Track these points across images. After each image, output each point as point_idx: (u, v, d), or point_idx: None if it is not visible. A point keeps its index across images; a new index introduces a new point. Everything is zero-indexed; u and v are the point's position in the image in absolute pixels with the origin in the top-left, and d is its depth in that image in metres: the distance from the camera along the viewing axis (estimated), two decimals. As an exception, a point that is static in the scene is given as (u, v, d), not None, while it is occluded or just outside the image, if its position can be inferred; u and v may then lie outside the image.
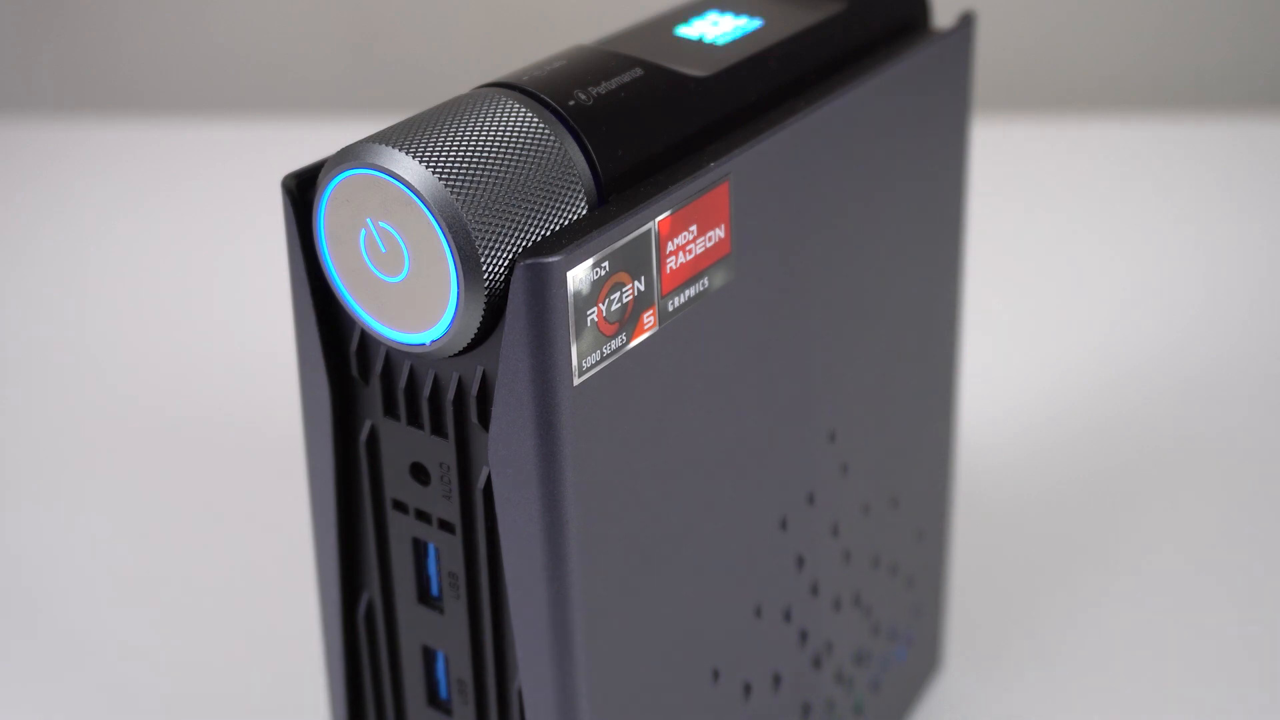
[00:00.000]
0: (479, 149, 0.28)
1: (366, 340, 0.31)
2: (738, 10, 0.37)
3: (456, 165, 0.28)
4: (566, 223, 0.29)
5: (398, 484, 0.32)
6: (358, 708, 0.36)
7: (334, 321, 0.31)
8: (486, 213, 0.28)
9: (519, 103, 0.30)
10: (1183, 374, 0.67)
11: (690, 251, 0.31)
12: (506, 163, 0.28)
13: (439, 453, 0.31)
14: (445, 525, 0.32)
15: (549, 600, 0.30)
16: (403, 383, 0.31)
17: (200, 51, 1.06)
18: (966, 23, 0.40)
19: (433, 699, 0.34)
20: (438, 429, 0.31)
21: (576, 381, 0.28)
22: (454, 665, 0.33)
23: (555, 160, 0.29)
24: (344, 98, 1.05)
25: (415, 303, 0.29)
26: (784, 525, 0.37)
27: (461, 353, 0.29)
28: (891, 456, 0.42)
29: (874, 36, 0.38)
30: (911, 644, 0.46)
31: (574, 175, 0.29)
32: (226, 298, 0.77)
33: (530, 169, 0.29)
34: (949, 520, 0.47)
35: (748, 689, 0.37)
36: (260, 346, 0.70)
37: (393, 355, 0.31)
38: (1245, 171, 0.88)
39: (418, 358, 0.30)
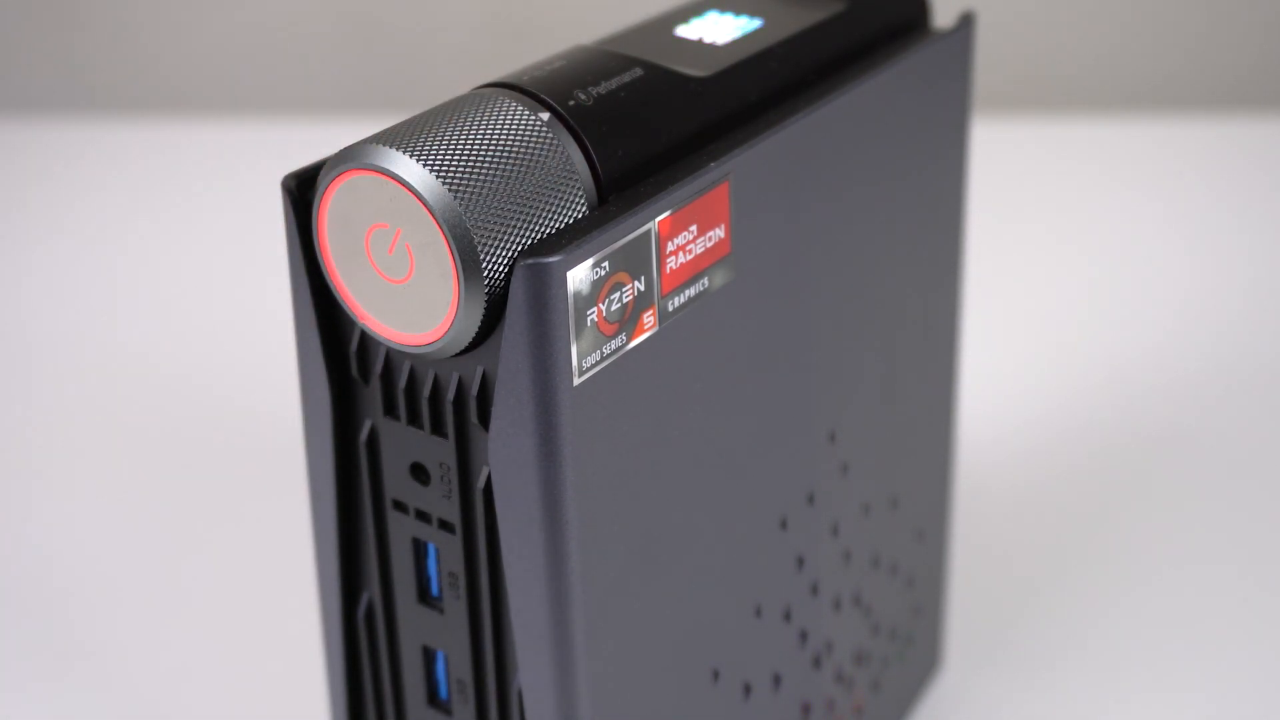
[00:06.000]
0: (479, 149, 0.28)
1: (366, 340, 0.31)
2: (738, 10, 0.37)
3: (456, 166, 0.28)
4: (566, 223, 0.29)
5: (398, 484, 0.32)
6: (358, 708, 0.36)
7: (334, 321, 0.31)
8: (487, 213, 0.28)
9: (519, 103, 0.30)
10: (1183, 374, 0.67)
11: (690, 251, 0.31)
12: (507, 163, 0.28)
13: (439, 453, 0.31)
14: (445, 525, 0.32)
15: (549, 600, 0.30)
16: (403, 383, 0.31)
17: (200, 51, 1.06)
18: (966, 23, 0.40)
19: (433, 699, 0.34)
20: (438, 429, 0.31)
21: (576, 381, 0.28)
22: (454, 665, 0.33)
23: (555, 160, 0.29)
24: (344, 98, 1.05)
25: (415, 303, 0.29)
26: (784, 525, 0.37)
27: (462, 353, 0.29)
28: (891, 456, 0.42)
29: (874, 36, 0.38)
30: (911, 644, 0.46)
31: (574, 175, 0.29)
32: (227, 298, 0.77)
33: (530, 169, 0.29)
34: (949, 520, 0.47)
35: (748, 689, 0.37)
36: (260, 346, 0.70)
37: (393, 355, 0.31)
38: (1245, 171, 0.88)
39: (418, 358, 0.30)
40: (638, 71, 0.32)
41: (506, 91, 0.30)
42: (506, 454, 0.29)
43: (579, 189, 0.29)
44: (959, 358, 0.45)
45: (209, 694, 0.49)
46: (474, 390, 0.30)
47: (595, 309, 0.28)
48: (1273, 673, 0.49)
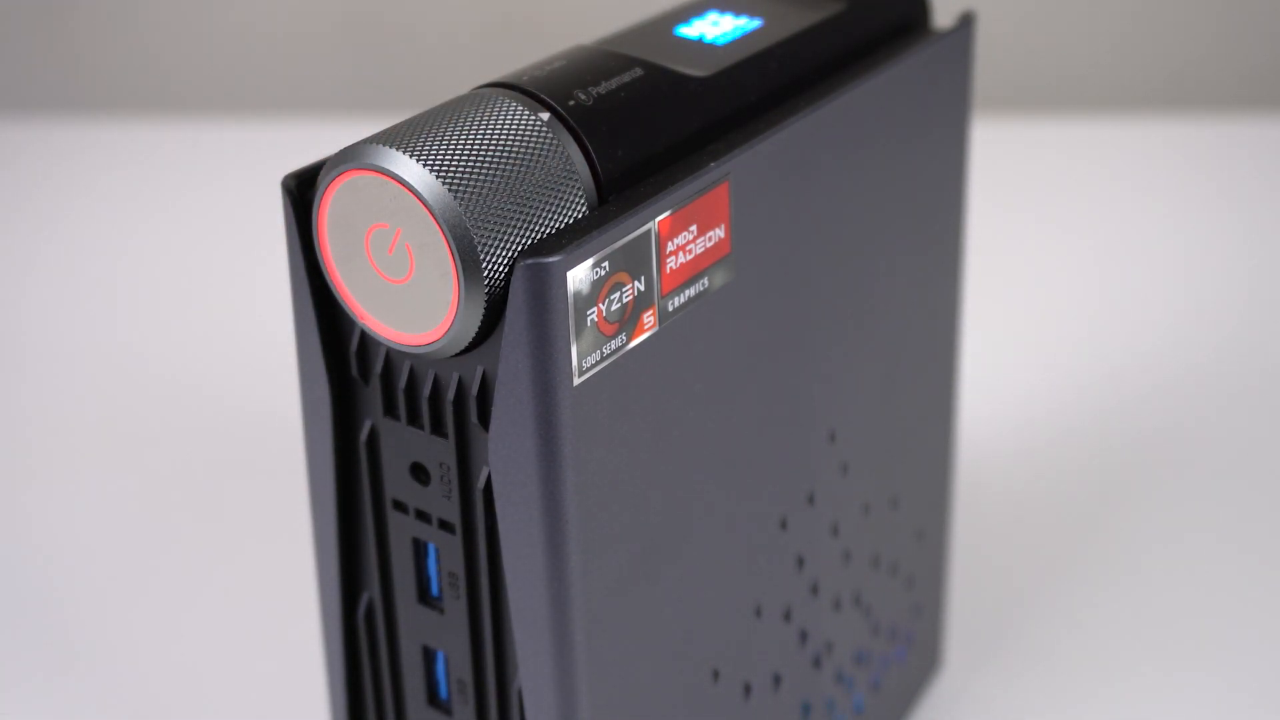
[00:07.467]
0: (479, 149, 0.28)
1: (366, 340, 0.31)
2: (738, 10, 0.37)
3: (457, 166, 0.28)
4: (566, 223, 0.29)
5: (398, 484, 0.32)
6: (358, 708, 0.36)
7: (334, 321, 0.31)
8: (487, 213, 0.28)
9: (519, 103, 0.30)
10: (1183, 373, 0.67)
11: (690, 251, 0.31)
12: (507, 163, 0.29)
13: (439, 453, 0.31)
14: (445, 525, 0.32)
15: (549, 600, 0.30)
16: (403, 383, 0.31)
17: (200, 51, 1.06)
18: (966, 23, 0.40)
19: (433, 699, 0.34)
20: (438, 429, 0.31)
21: (576, 381, 0.28)
22: (454, 665, 0.33)
23: (555, 160, 0.29)
24: (344, 98, 1.05)
25: (415, 303, 0.29)
26: (784, 525, 0.37)
27: (462, 353, 0.29)
28: (891, 456, 0.42)
29: (874, 36, 0.38)
30: (911, 644, 0.46)
31: (574, 175, 0.29)
32: (226, 298, 0.77)
33: (530, 169, 0.29)
34: (949, 520, 0.47)
35: (748, 689, 0.37)
36: (260, 347, 0.70)
37: (393, 355, 0.31)
38: (1245, 171, 0.88)
39: (418, 358, 0.30)
40: (638, 71, 0.32)
41: (506, 91, 0.30)
42: (506, 454, 0.29)
43: (579, 189, 0.29)
44: (959, 357, 0.45)
45: (209, 694, 0.49)
46: (474, 390, 0.30)
47: (595, 309, 0.28)
48: (1273, 671, 0.49)
